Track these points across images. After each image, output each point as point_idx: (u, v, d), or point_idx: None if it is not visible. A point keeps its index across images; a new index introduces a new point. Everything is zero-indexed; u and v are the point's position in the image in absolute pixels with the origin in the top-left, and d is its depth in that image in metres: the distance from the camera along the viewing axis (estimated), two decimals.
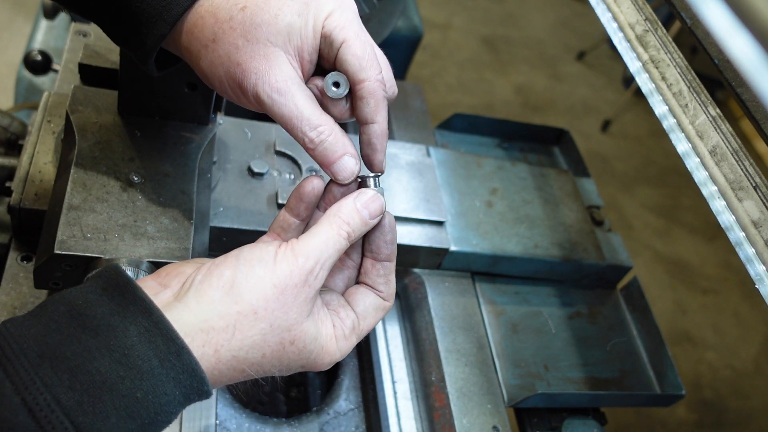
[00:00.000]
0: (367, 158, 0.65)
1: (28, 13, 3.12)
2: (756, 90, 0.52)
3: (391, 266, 0.66)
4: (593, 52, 4.36)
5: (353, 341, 0.63)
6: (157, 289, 0.57)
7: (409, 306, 1.06)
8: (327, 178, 0.66)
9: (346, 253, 0.67)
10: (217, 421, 0.89)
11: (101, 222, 0.71)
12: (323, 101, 0.63)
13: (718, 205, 0.75)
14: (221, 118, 1.00)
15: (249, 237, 0.91)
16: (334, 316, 0.62)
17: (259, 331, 0.55)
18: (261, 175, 0.96)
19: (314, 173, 1.00)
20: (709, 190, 0.76)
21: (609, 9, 0.92)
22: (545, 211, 1.16)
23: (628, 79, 4.19)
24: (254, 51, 0.59)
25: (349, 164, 0.63)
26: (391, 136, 1.22)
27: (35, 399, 0.46)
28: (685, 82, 0.81)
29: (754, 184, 0.72)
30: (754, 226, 0.71)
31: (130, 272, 0.68)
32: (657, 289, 3.18)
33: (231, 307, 0.55)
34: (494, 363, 1.00)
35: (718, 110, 0.78)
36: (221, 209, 0.91)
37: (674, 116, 0.81)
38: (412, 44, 1.87)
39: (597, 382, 1.05)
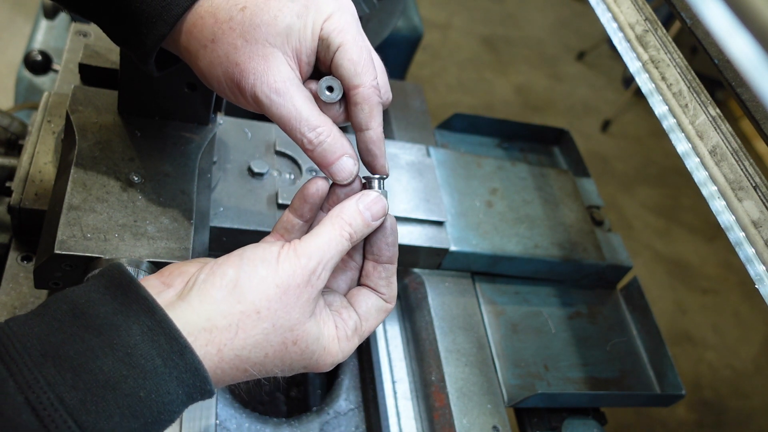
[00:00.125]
0: (368, 165, 0.65)
1: (28, 13, 3.12)
2: (756, 90, 0.52)
3: (393, 268, 0.66)
4: (593, 52, 4.36)
5: (355, 342, 0.63)
6: (160, 288, 0.57)
7: (409, 306, 1.06)
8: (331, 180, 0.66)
9: (349, 255, 0.67)
10: (217, 421, 0.89)
11: (101, 222, 0.71)
12: (317, 105, 0.63)
13: (718, 205, 0.75)
14: (221, 118, 1.00)
15: (249, 237, 0.91)
16: (336, 317, 0.63)
17: (262, 331, 0.56)
18: (261, 175, 0.96)
19: (315, 174, 1.00)
20: (709, 190, 0.76)
21: (609, 9, 0.92)
22: (545, 211, 1.16)
23: (628, 79, 4.19)
24: (253, 51, 0.59)
25: (347, 165, 0.63)
26: (391, 136, 1.22)
27: (39, 398, 0.46)
28: (685, 82, 0.81)
29: (754, 184, 0.72)
30: (754, 226, 0.71)
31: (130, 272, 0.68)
32: (657, 289, 3.19)
33: (234, 306, 0.55)
34: (494, 363, 1.00)
35: (718, 110, 0.78)
36: (221, 209, 0.91)
37: (674, 116, 0.81)
38: (412, 44, 1.87)
39: (597, 382, 1.05)
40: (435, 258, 1.04)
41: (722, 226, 0.74)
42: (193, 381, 0.52)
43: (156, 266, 0.71)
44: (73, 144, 0.77)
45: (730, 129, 0.76)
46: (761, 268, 0.70)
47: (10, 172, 0.93)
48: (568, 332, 1.10)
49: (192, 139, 0.83)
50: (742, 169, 0.73)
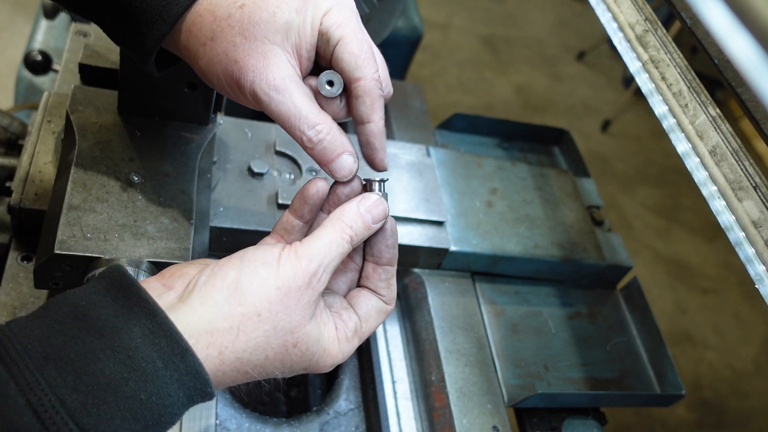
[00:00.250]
0: (368, 158, 0.65)
1: (28, 13, 3.12)
2: (756, 90, 0.52)
3: (393, 270, 0.66)
4: (593, 52, 4.36)
5: (355, 343, 0.63)
6: (160, 290, 0.57)
7: (409, 306, 1.06)
8: (332, 180, 0.66)
9: (349, 256, 0.67)
10: (217, 421, 0.89)
11: (101, 222, 0.71)
12: (317, 100, 0.63)
13: (718, 205, 0.75)
14: (221, 118, 1.00)
15: (249, 237, 0.91)
16: (336, 318, 0.63)
17: (263, 333, 0.55)
18: (261, 175, 0.96)
19: (316, 174, 1.00)
20: (709, 190, 0.76)
21: (609, 9, 0.92)
22: (545, 211, 1.16)
23: (628, 79, 4.19)
24: (252, 48, 0.58)
25: (347, 162, 0.62)
26: (391, 136, 1.22)
27: (40, 400, 0.46)
28: (685, 82, 0.81)
29: (754, 184, 0.72)
30: (754, 226, 0.71)
31: (130, 272, 0.68)
32: (657, 289, 3.19)
33: (235, 308, 0.55)
34: (494, 363, 1.00)
35: (718, 110, 0.78)
36: (221, 209, 0.91)
37: (674, 116, 0.81)
38: (412, 44, 1.87)
39: (597, 382, 1.05)
40: (435, 258, 1.04)
41: (722, 226, 0.74)
42: (194, 383, 0.52)
43: (156, 266, 0.71)
44: (73, 144, 0.77)
45: (730, 129, 0.76)
46: (761, 268, 0.70)
47: (10, 172, 0.93)
48: (568, 332, 1.10)
49: (192, 139, 0.83)
50: (742, 169, 0.73)
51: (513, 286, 1.12)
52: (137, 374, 0.49)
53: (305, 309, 0.57)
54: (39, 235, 0.76)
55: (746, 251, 0.71)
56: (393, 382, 0.98)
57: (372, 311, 0.65)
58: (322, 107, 0.63)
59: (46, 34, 1.66)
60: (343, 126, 0.64)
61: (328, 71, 0.62)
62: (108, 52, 0.88)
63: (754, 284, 0.71)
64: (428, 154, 1.14)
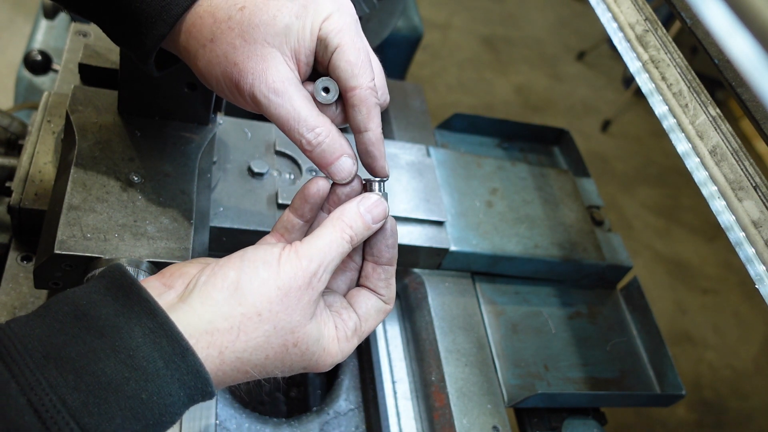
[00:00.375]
0: (368, 167, 0.65)
1: (28, 13, 3.12)
2: (756, 90, 0.52)
3: (392, 270, 0.66)
4: (593, 52, 4.36)
5: (355, 343, 0.64)
6: (161, 290, 0.57)
7: (409, 306, 1.06)
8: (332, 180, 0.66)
9: (349, 255, 0.67)
10: (217, 421, 0.89)
11: (101, 222, 0.71)
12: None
13: (718, 205, 0.75)
14: (221, 118, 1.00)
15: (249, 237, 0.91)
16: (336, 317, 0.63)
17: (263, 333, 0.56)
18: (261, 175, 0.96)
19: (316, 174, 1.00)
20: (709, 190, 0.76)
21: (609, 9, 0.92)
22: (545, 211, 1.16)
23: (628, 79, 4.19)
24: (252, 51, 0.58)
25: (346, 165, 0.63)
26: (391, 136, 1.22)
27: (41, 400, 0.46)
28: (685, 82, 0.81)
29: (754, 184, 0.72)
30: (754, 226, 0.71)
31: (130, 272, 0.68)
32: (657, 289, 3.18)
33: (235, 308, 0.55)
34: (494, 363, 1.00)
35: (718, 110, 0.78)
36: (221, 209, 0.91)
37: (674, 116, 0.81)
38: (412, 44, 1.87)
39: (597, 382, 1.05)
40: (435, 258, 1.04)
41: (722, 226, 0.74)
42: (194, 383, 0.52)
43: (156, 266, 0.71)
44: (73, 144, 0.77)
45: (730, 129, 0.76)
46: (761, 268, 0.70)
47: (10, 172, 0.93)
48: (568, 332, 1.10)
49: (192, 139, 0.83)
50: (742, 169, 0.73)
51: (513, 286, 1.12)
52: (138, 374, 0.49)
53: (305, 309, 0.57)
54: (39, 235, 0.76)
55: (746, 251, 0.71)
56: (393, 382, 0.98)
57: (371, 311, 0.65)
58: None
59: (46, 34, 1.66)
60: (342, 130, 0.64)
61: (324, 78, 0.62)
62: (108, 52, 0.88)
63: (754, 284, 0.71)
64: (428, 154, 1.14)
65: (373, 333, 1.03)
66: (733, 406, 2.83)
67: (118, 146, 0.78)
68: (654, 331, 1.11)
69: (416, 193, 1.05)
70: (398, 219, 1.00)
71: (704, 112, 0.78)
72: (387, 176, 0.65)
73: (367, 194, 0.63)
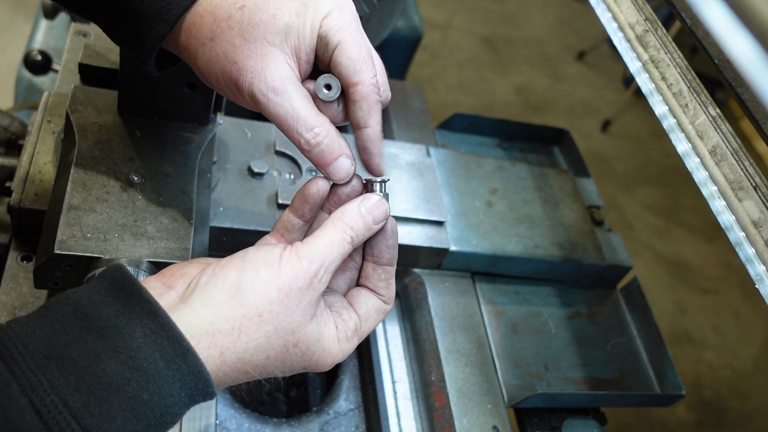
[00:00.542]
0: (364, 163, 0.65)
1: (28, 13, 3.12)
2: (756, 90, 0.52)
3: (392, 270, 0.66)
4: (593, 52, 4.36)
5: (355, 343, 0.64)
6: (161, 290, 0.57)
7: (409, 306, 1.06)
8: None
9: (349, 255, 0.67)
10: (217, 421, 0.89)
11: (101, 222, 0.71)
12: (315, 104, 0.63)
13: (718, 205, 0.75)
14: (221, 118, 1.00)
15: (249, 237, 0.91)
16: (336, 317, 0.63)
17: (264, 334, 0.56)
18: (261, 175, 0.96)
19: (315, 174, 1.00)
20: (709, 190, 0.76)
21: (609, 9, 0.92)
22: (545, 211, 1.16)
23: (628, 79, 4.19)
24: (251, 50, 0.58)
25: (345, 165, 0.63)
26: (391, 136, 1.22)
27: (42, 400, 0.46)
28: (685, 82, 0.81)
29: (754, 184, 0.72)
30: (754, 226, 0.71)
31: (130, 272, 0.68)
32: (657, 289, 3.18)
33: (236, 309, 0.55)
34: (494, 363, 1.00)
35: (718, 110, 0.78)
36: (221, 209, 0.91)
37: (674, 116, 0.81)
38: (412, 44, 1.87)
39: (597, 382, 1.05)
40: (435, 258, 1.04)
41: (722, 226, 0.74)
42: (195, 384, 0.52)
43: (156, 266, 0.71)
44: (73, 144, 0.77)
45: (730, 129, 0.76)
46: (761, 268, 0.70)
47: (10, 172, 0.93)
48: (568, 332, 1.10)
49: (192, 139, 0.83)
50: (742, 169, 0.73)
51: (513, 286, 1.12)
52: (139, 374, 0.49)
53: (306, 309, 0.57)
54: (39, 235, 0.76)
55: (746, 251, 0.71)
56: (393, 382, 0.98)
57: (372, 311, 0.65)
58: (319, 110, 0.63)
59: (46, 34, 1.66)
60: (341, 129, 0.64)
61: (325, 75, 0.62)
62: (108, 52, 0.88)
63: (754, 284, 0.71)
64: (428, 154, 1.14)
65: (373, 333, 1.03)
66: (733, 406, 2.83)
67: (118, 146, 0.78)
68: (654, 331, 1.11)
69: (416, 193, 1.05)
70: (398, 219, 1.00)
71: (704, 112, 0.78)
72: (382, 174, 0.65)
73: (368, 195, 0.63)
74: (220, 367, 0.54)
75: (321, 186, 0.65)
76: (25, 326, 0.49)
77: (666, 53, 0.84)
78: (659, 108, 0.83)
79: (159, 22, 0.60)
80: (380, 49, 0.68)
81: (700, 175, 0.77)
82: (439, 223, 1.04)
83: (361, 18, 0.63)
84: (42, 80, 1.52)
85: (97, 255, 0.69)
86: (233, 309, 0.55)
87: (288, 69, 0.60)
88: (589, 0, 0.95)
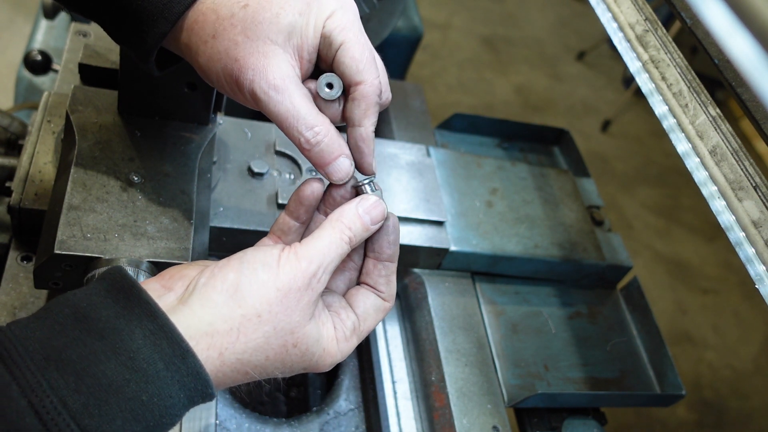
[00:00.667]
0: (356, 163, 0.65)
1: (28, 13, 3.12)
2: (756, 90, 0.52)
3: (393, 267, 0.66)
4: (593, 52, 4.36)
5: (354, 342, 0.64)
6: (160, 292, 0.57)
7: (409, 306, 1.06)
8: (327, 181, 0.66)
9: (348, 255, 0.67)
10: (217, 421, 0.89)
11: (101, 222, 0.71)
12: (316, 103, 0.63)
13: (718, 205, 0.75)
14: (221, 118, 1.00)
15: (249, 237, 0.91)
16: (335, 317, 0.63)
17: (263, 335, 0.56)
18: (261, 175, 0.96)
19: (315, 174, 1.00)
20: (709, 190, 0.76)
21: (609, 9, 0.92)
22: (545, 211, 1.16)
23: (628, 79, 4.19)
24: (253, 48, 0.59)
25: (344, 165, 0.63)
26: (391, 136, 1.22)
27: (42, 402, 0.46)
28: (685, 82, 0.81)
29: (754, 184, 0.72)
30: (754, 226, 0.71)
31: (130, 272, 0.68)
32: (657, 289, 3.18)
33: (235, 310, 0.55)
34: (494, 363, 1.00)
35: (718, 110, 0.78)
36: (221, 209, 0.91)
37: (674, 116, 0.81)
38: (412, 44, 1.87)
39: (597, 382, 1.05)
40: (435, 258, 1.04)
41: (722, 226, 0.74)
42: (194, 385, 0.52)
43: (156, 266, 0.71)
44: (73, 144, 0.77)
45: (730, 129, 0.76)
46: (761, 268, 0.70)
47: (10, 172, 0.93)
48: (568, 332, 1.10)
49: (192, 139, 0.83)
50: (742, 169, 0.73)
51: (513, 286, 1.12)
52: (138, 375, 0.49)
53: (305, 310, 0.57)
54: (39, 235, 0.76)
55: (746, 251, 0.71)
56: (393, 382, 0.98)
57: (370, 310, 0.65)
58: (320, 110, 0.63)
59: (46, 34, 1.66)
60: (340, 129, 0.64)
61: (327, 74, 0.62)
62: (108, 52, 0.88)
63: (754, 284, 0.71)
64: (428, 154, 1.14)
65: (373, 333, 1.03)
66: (733, 406, 2.83)
67: (118, 146, 0.78)
68: (654, 331, 1.11)
69: (416, 193, 1.05)
70: (398, 219, 1.00)
71: (704, 112, 0.78)
72: (373, 173, 0.65)
73: (365, 196, 0.63)
74: (220, 368, 0.54)
75: (315, 188, 0.65)
76: (24, 328, 0.50)
77: (666, 53, 0.84)
78: (659, 108, 0.83)
79: (160, 20, 0.60)
80: (380, 49, 0.68)
81: (700, 175, 0.77)
82: (439, 223, 1.04)
83: (360, 18, 0.64)
84: (42, 80, 1.52)
85: (97, 255, 0.69)
86: (232, 310, 0.55)
87: (289, 68, 0.60)
88: (589, 0, 0.95)
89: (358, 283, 0.68)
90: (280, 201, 0.94)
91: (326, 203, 0.67)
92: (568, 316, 1.12)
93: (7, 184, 0.90)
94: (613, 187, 3.60)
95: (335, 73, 0.62)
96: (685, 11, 0.81)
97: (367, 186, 0.64)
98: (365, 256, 0.67)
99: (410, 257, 1.03)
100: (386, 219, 0.64)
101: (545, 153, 1.39)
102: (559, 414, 1.01)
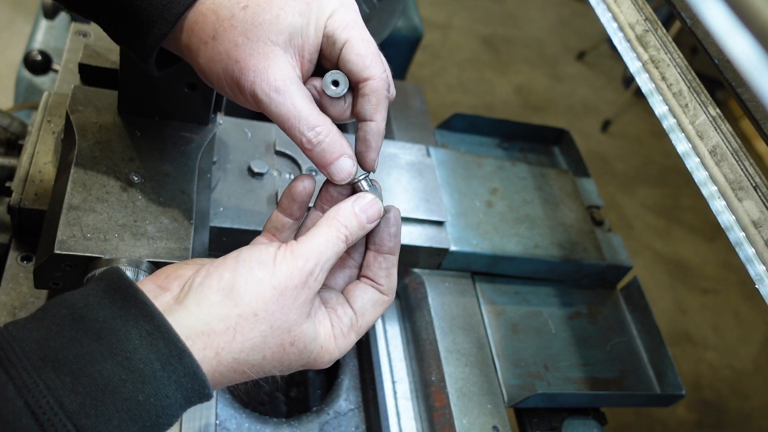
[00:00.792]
0: (360, 155, 0.65)
1: (28, 13, 3.12)
2: (756, 90, 0.52)
3: (394, 259, 0.66)
4: (593, 52, 4.36)
5: (352, 338, 0.63)
6: (156, 292, 0.57)
7: (409, 306, 1.06)
8: (323, 178, 0.66)
9: (348, 253, 0.67)
10: (217, 421, 0.89)
11: (101, 222, 0.71)
12: (322, 101, 0.63)
13: (718, 205, 0.75)
14: (221, 118, 1.00)
15: (249, 237, 0.90)
16: (332, 314, 0.63)
17: (260, 333, 0.56)
18: (261, 175, 0.96)
19: (315, 174, 1.00)
20: (709, 190, 0.76)
21: (609, 9, 0.92)
22: (545, 211, 1.16)
23: (628, 79, 4.19)
24: (254, 49, 0.59)
25: (346, 165, 0.63)
26: (391, 136, 1.22)
27: (38, 402, 0.46)
28: (685, 82, 0.81)
29: (754, 184, 0.72)
30: (754, 226, 0.71)
31: (129, 272, 0.68)
32: (657, 289, 3.18)
33: (231, 309, 0.55)
34: (494, 363, 1.00)
35: (718, 110, 0.78)
36: (221, 209, 0.91)
37: (674, 116, 0.81)
38: (412, 44, 1.87)
39: (597, 382, 1.05)
40: (435, 258, 1.04)
41: (722, 226, 0.74)
42: (191, 385, 0.52)
43: (156, 266, 0.71)
44: (73, 144, 0.77)
45: (730, 129, 0.76)
46: (761, 268, 0.70)
47: (10, 172, 0.93)
48: (568, 332, 1.10)
49: (192, 139, 0.83)
50: (742, 169, 0.73)
51: (513, 286, 1.12)
52: (135, 376, 0.49)
53: (301, 308, 0.57)
54: (39, 235, 0.76)
55: (746, 251, 0.71)
56: (393, 382, 0.98)
57: (368, 304, 0.64)
58: (327, 107, 0.63)
59: (46, 34, 1.66)
60: (341, 128, 0.64)
61: (333, 71, 0.62)
62: (108, 52, 0.88)
63: (754, 284, 0.71)
64: (428, 154, 1.14)
65: (373, 333, 1.03)
66: (733, 406, 2.83)
67: (118, 146, 0.78)
68: (654, 331, 1.11)
69: (416, 193, 1.05)
70: None
71: (704, 112, 0.78)
72: (374, 170, 0.65)
73: (362, 194, 0.63)
74: (216, 368, 0.54)
75: (307, 184, 0.65)
76: (22, 329, 0.50)
77: (666, 53, 0.84)
78: (659, 108, 0.83)
79: (160, 20, 0.60)
80: (380, 49, 0.68)
81: (700, 175, 0.77)
82: (439, 223, 1.04)
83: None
84: (42, 80, 1.52)
85: (97, 255, 0.69)
86: (228, 309, 0.55)
87: (290, 69, 0.60)
88: (589, 0, 0.95)
89: (359, 277, 0.68)
90: (279, 200, 0.94)
91: (323, 200, 0.67)
92: (568, 316, 1.12)
93: (7, 184, 0.90)
94: (613, 187, 3.60)
95: (342, 71, 0.62)
96: (685, 11, 0.81)
97: (363, 182, 0.64)
98: (366, 248, 0.67)
99: (410, 257, 1.03)
100: (387, 211, 0.64)
101: (545, 153, 1.39)
102: (559, 414, 1.01)
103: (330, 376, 1.07)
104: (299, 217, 0.67)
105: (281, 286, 0.56)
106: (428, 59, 3.87)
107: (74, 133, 0.78)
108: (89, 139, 0.77)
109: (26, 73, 1.52)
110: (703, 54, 0.78)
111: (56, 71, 1.10)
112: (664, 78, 0.83)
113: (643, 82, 0.85)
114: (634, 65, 0.87)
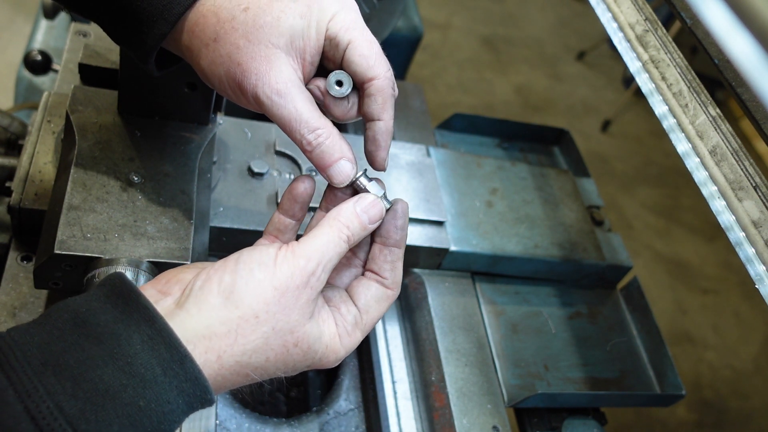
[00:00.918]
0: (370, 155, 0.65)
1: (28, 13, 3.12)
2: (756, 90, 0.52)
3: (399, 253, 0.66)
4: (593, 52, 4.36)
5: (358, 336, 0.63)
6: (157, 297, 0.57)
7: (409, 306, 1.06)
8: (319, 177, 0.66)
9: (353, 251, 0.67)
10: (217, 421, 0.89)
11: (101, 222, 0.71)
12: (325, 101, 0.63)
13: (718, 205, 0.75)
14: (221, 118, 1.00)
15: (249, 237, 0.91)
16: (335, 312, 0.62)
17: (262, 335, 0.55)
18: (261, 175, 0.96)
19: (315, 174, 1.00)
20: (709, 190, 0.76)
21: (609, 9, 0.92)
22: (545, 211, 1.16)
23: (628, 79, 4.19)
24: (255, 52, 0.59)
25: (345, 168, 0.63)
26: None
27: (38, 407, 0.46)
28: (685, 82, 0.81)
29: (754, 184, 0.72)
30: (754, 226, 0.71)
31: (129, 272, 0.68)
32: (657, 289, 3.18)
33: (232, 312, 0.55)
34: (494, 363, 1.00)
35: (718, 110, 0.78)
36: (221, 209, 0.91)
37: (674, 116, 0.81)
38: (412, 44, 1.87)
39: (597, 382, 1.05)
40: (435, 258, 1.04)
41: (722, 226, 0.74)
42: (193, 390, 0.52)
43: (156, 266, 0.71)
44: (73, 144, 0.77)
45: (730, 129, 0.76)
46: (761, 268, 0.70)
47: (10, 172, 0.93)
48: (568, 332, 1.10)
49: (192, 139, 0.83)
50: (742, 169, 0.73)
51: (513, 286, 1.12)
52: (136, 381, 0.49)
53: (304, 308, 0.57)
54: (39, 235, 0.76)
55: (746, 251, 0.71)
56: (393, 382, 0.98)
57: (371, 301, 0.64)
58: (331, 107, 0.63)
59: (46, 34, 1.66)
60: (341, 129, 0.64)
61: (337, 71, 0.62)
62: (108, 52, 0.88)
63: (754, 284, 0.71)
64: (428, 154, 1.14)
65: (373, 333, 1.03)
66: (733, 406, 2.83)
67: (118, 146, 0.78)
68: (654, 331, 1.11)
69: (416, 193, 1.05)
70: None
71: (704, 112, 0.78)
72: (384, 169, 0.65)
73: (363, 195, 0.63)
74: (219, 371, 0.54)
75: (308, 184, 0.65)
76: (24, 333, 0.49)
77: (666, 53, 0.84)
78: (659, 108, 0.83)
79: (160, 21, 0.60)
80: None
81: (700, 175, 0.77)
82: (439, 223, 1.04)
83: None
84: (42, 80, 1.52)
85: (97, 255, 0.69)
86: (229, 311, 0.54)
87: (291, 71, 0.60)
88: (589, 0, 0.95)
89: (363, 273, 0.67)
90: (279, 201, 0.94)
91: (327, 199, 0.67)
92: (568, 316, 1.12)
93: (7, 184, 0.90)
94: (613, 187, 3.60)
95: (346, 71, 0.62)
96: (685, 11, 0.81)
97: (363, 179, 0.64)
98: (372, 241, 0.67)
99: (410, 257, 1.03)
100: (395, 203, 0.64)
101: (545, 153, 1.39)
102: (559, 414, 1.01)
103: (330, 376, 1.07)
104: (301, 218, 0.67)
105: (282, 286, 0.56)
106: (428, 59, 3.87)
107: (74, 133, 0.78)
108: (89, 139, 0.77)
109: (26, 73, 1.52)
110: (703, 54, 0.78)
111: (56, 71, 1.10)
112: (664, 78, 0.83)
113: (643, 82, 0.85)
114: (634, 65, 0.87)
